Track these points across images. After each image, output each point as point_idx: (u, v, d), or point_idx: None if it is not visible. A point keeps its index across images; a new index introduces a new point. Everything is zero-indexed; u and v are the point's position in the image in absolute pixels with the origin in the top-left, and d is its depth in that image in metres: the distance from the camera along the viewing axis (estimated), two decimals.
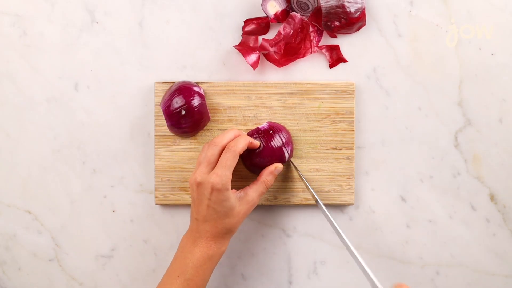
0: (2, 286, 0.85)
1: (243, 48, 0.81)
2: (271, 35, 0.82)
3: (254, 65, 0.81)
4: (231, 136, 0.76)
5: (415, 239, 0.83)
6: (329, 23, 0.81)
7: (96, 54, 0.84)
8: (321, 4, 0.80)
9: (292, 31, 0.80)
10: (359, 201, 0.83)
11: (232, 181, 0.74)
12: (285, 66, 0.83)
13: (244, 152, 0.75)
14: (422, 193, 0.83)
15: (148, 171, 0.84)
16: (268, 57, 0.82)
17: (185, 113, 0.78)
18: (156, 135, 0.82)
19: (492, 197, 0.83)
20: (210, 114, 0.81)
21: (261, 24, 0.82)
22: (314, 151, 0.82)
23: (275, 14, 0.81)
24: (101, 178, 0.84)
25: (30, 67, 0.84)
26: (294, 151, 0.81)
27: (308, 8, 0.81)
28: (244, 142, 0.74)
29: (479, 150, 0.83)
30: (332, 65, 0.83)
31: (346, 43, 0.83)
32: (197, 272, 0.73)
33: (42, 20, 0.84)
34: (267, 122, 0.80)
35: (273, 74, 0.83)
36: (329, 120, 0.81)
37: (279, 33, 0.81)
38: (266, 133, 0.78)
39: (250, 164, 0.79)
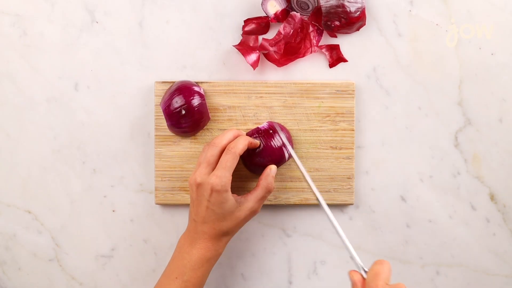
0: (2, 286, 0.85)
1: (243, 47, 0.81)
2: (271, 34, 0.83)
3: (254, 65, 0.81)
4: (230, 136, 0.76)
5: (415, 239, 0.83)
6: (329, 23, 0.81)
7: (96, 54, 0.84)
8: (321, 4, 0.80)
9: (292, 30, 0.81)
10: (359, 201, 0.83)
11: (232, 181, 0.73)
12: (285, 66, 0.83)
13: (244, 152, 0.75)
14: (422, 193, 0.83)
15: (148, 171, 0.84)
16: (268, 56, 0.82)
17: (185, 112, 0.78)
18: (156, 135, 0.82)
19: (492, 197, 0.83)
20: (210, 114, 0.81)
21: (261, 24, 0.82)
22: (314, 151, 0.82)
23: (275, 14, 0.81)
24: (101, 178, 0.84)
25: (30, 67, 0.84)
26: (294, 151, 0.81)
27: (308, 7, 0.81)
28: (244, 143, 0.74)
29: (479, 150, 0.83)
30: (332, 64, 0.83)
31: (346, 42, 0.83)
32: (195, 273, 0.73)
33: (42, 20, 0.84)
34: (267, 122, 0.80)
35: (273, 74, 0.83)
36: (329, 120, 0.81)
37: (279, 33, 0.81)
38: (266, 132, 0.78)
39: (250, 164, 0.79)
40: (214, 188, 0.71)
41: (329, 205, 0.83)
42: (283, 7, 0.81)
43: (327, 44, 0.83)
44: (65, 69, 0.84)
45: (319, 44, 0.82)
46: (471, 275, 0.84)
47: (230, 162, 0.72)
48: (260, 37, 0.82)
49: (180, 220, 0.84)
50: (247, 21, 0.82)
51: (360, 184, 0.83)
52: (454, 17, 0.82)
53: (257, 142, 0.77)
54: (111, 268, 0.85)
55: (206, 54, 0.83)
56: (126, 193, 0.84)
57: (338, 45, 0.82)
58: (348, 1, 0.80)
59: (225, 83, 0.82)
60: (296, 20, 0.80)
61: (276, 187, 0.82)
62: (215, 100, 0.82)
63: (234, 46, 0.81)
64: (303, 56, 0.82)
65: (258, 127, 0.79)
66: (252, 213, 0.75)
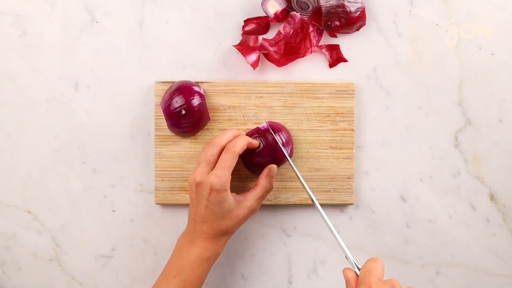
0: (2, 286, 0.85)
1: (243, 47, 0.81)
2: (271, 34, 0.83)
3: (254, 65, 0.81)
4: (230, 136, 0.76)
5: (415, 239, 0.83)
6: (329, 23, 0.81)
7: (96, 54, 0.84)
8: (321, 4, 0.80)
9: (292, 30, 0.81)
10: (359, 201, 0.83)
11: (232, 181, 0.74)
12: (285, 66, 0.83)
13: (243, 151, 0.75)
14: (422, 193, 0.83)
15: (148, 171, 0.84)
16: (268, 56, 0.82)
17: (185, 112, 0.78)
18: (156, 135, 0.82)
19: (492, 197, 0.83)
20: (210, 114, 0.81)
21: (261, 24, 0.82)
22: (314, 150, 0.82)
23: (275, 14, 0.81)
24: (101, 178, 0.84)
25: (30, 67, 0.84)
26: (294, 151, 0.81)
27: (308, 7, 0.81)
28: (243, 143, 0.74)
29: (479, 150, 0.83)
30: (332, 64, 0.83)
31: (346, 42, 0.83)
32: (193, 272, 0.73)
33: (42, 20, 0.84)
34: (267, 122, 0.80)
35: (273, 74, 0.83)
36: (329, 120, 0.81)
37: (279, 33, 0.81)
38: (266, 132, 0.78)
39: (250, 163, 0.79)
40: (213, 187, 0.72)
41: (329, 205, 0.83)
42: (283, 7, 0.81)
43: (327, 44, 0.83)
44: (65, 69, 0.84)
45: (319, 44, 0.82)
46: (471, 275, 0.83)
47: (229, 161, 0.73)
48: (260, 37, 0.82)
49: (180, 220, 0.84)
50: (247, 21, 0.82)
51: (360, 184, 0.83)
52: (454, 17, 0.82)
53: (256, 142, 0.77)
54: (111, 268, 0.85)
55: (206, 54, 0.83)
56: (126, 193, 0.84)
57: (338, 45, 0.82)
58: (348, 1, 0.80)
59: (225, 83, 0.82)
60: (296, 20, 0.80)
61: (276, 187, 0.82)
62: (215, 100, 0.82)
63: (234, 46, 0.81)
64: (303, 56, 0.82)
65: (258, 127, 0.79)
66: (251, 212, 0.75)
